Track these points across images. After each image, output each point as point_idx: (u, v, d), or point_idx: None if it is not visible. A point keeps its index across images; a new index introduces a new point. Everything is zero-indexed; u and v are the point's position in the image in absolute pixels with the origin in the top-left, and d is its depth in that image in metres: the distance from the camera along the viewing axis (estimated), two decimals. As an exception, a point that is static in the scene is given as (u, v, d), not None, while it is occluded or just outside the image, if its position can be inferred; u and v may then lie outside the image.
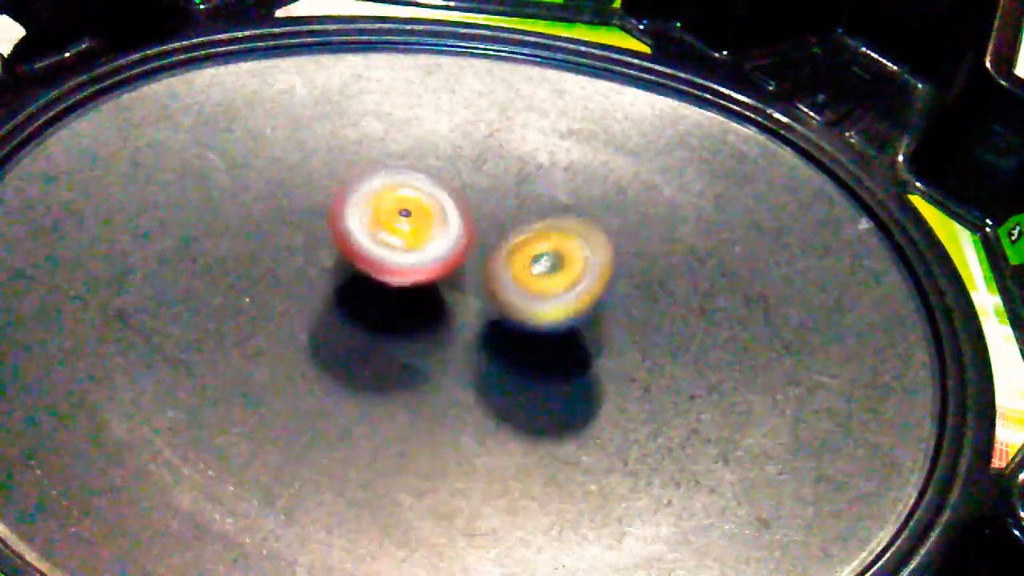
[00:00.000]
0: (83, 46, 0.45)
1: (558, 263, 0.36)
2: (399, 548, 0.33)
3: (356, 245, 0.36)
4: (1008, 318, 0.41)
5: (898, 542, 0.34)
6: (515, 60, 0.47)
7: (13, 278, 0.38)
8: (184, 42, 0.45)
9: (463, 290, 0.39)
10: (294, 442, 0.35)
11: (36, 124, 0.41)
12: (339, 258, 0.39)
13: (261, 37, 0.46)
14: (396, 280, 0.36)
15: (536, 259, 0.36)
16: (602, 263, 0.36)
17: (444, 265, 0.36)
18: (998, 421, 0.38)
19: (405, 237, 0.36)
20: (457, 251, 0.37)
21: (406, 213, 0.36)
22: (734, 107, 0.46)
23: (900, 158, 0.47)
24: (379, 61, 0.46)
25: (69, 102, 0.42)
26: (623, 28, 0.50)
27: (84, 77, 0.43)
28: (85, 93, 0.43)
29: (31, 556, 0.32)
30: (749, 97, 0.47)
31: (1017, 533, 0.34)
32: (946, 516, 0.35)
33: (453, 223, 0.37)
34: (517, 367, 0.38)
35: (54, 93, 0.42)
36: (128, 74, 0.44)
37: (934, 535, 0.34)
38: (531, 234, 0.37)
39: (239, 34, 0.46)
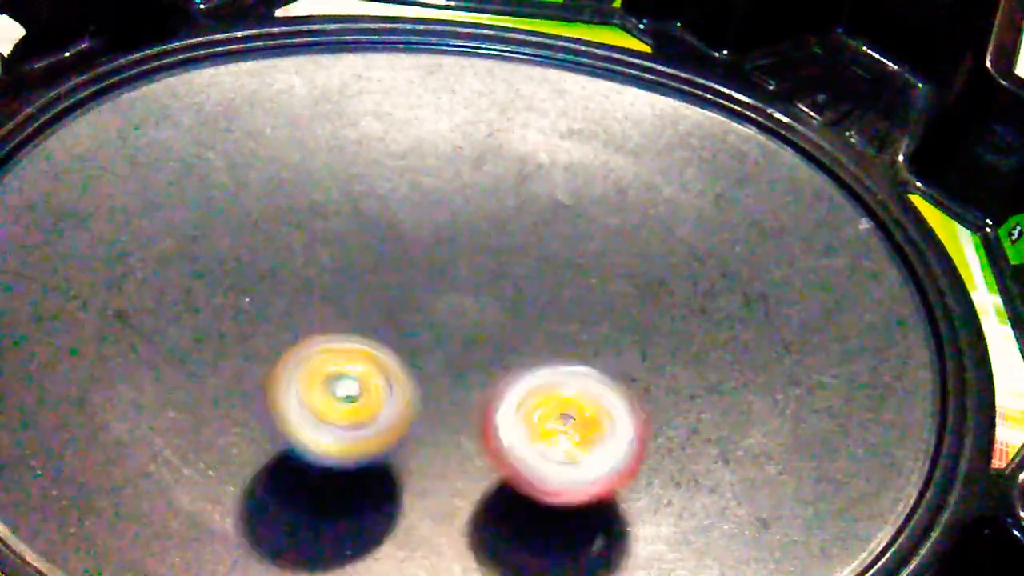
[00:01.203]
0: (83, 46, 0.45)
1: (357, 393, 0.31)
2: (399, 548, 0.33)
3: (519, 465, 0.31)
4: (1008, 318, 0.41)
5: (898, 542, 0.34)
6: (515, 60, 0.47)
7: (13, 278, 0.38)
8: (184, 42, 0.45)
9: (462, 291, 0.40)
10: (294, 442, 0.35)
11: (36, 124, 0.41)
12: (339, 257, 0.39)
13: (261, 37, 0.46)
14: (564, 501, 0.32)
15: (333, 380, 0.32)
16: (400, 411, 0.31)
17: (620, 477, 0.32)
18: (998, 421, 0.37)
19: (569, 447, 0.31)
20: (633, 457, 0.32)
21: (568, 418, 0.32)
22: (734, 107, 0.46)
23: (900, 158, 0.47)
24: (379, 61, 0.46)
25: (69, 102, 0.42)
26: (623, 28, 0.50)
27: (84, 77, 0.43)
28: (85, 93, 0.43)
29: (31, 556, 0.32)
30: (749, 97, 0.47)
31: (1017, 533, 0.34)
32: (946, 516, 0.35)
33: (622, 425, 0.32)
34: (516, 366, 0.38)
35: (54, 93, 0.42)
36: (128, 74, 0.44)
37: (934, 535, 0.34)
38: (332, 349, 0.32)
39: (239, 34, 0.46)
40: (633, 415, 0.32)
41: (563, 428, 0.31)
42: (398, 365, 0.32)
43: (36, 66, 0.44)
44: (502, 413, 0.31)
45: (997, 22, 0.45)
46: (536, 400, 0.32)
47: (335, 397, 0.31)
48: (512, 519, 0.34)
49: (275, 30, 0.46)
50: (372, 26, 0.47)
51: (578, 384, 0.32)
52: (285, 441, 0.31)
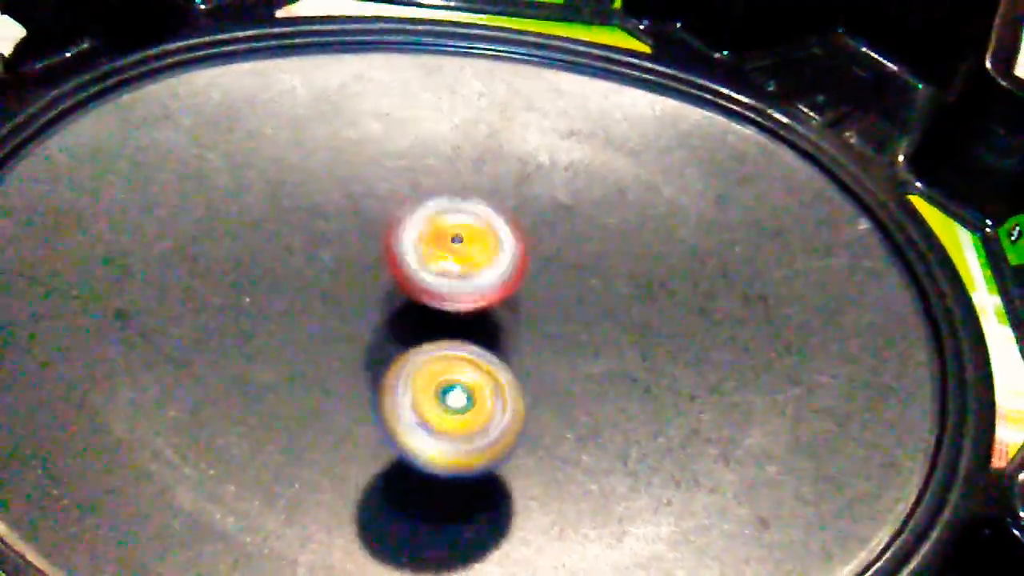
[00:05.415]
0: (84, 46, 0.45)
1: (470, 401, 0.31)
2: (399, 548, 0.33)
3: (411, 274, 0.35)
4: (1008, 319, 0.41)
5: (898, 542, 0.34)
6: (515, 60, 0.47)
7: (14, 278, 0.38)
8: (184, 42, 0.45)
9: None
10: (294, 442, 0.35)
11: (37, 124, 0.42)
12: (339, 257, 0.39)
13: (261, 37, 0.46)
14: (453, 307, 0.35)
15: (446, 389, 0.32)
16: (515, 417, 0.31)
17: (502, 290, 0.35)
18: (998, 421, 0.38)
19: (459, 263, 0.35)
20: (514, 275, 0.35)
21: (458, 240, 0.35)
22: (734, 107, 0.46)
23: (900, 158, 0.47)
24: (379, 61, 0.46)
25: (70, 102, 0.42)
26: (623, 28, 0.50)
27: (85, 77, 0.43)
28: (86, 93, 0.43)
29: (32, 555, 0.32)
30: (749, 97, 0.47)
31: (1017, 533, 0.34)
32: (946, 516, 0.35)
33: (507, 247, 0.36)
34: (516, 367, 0.38)
35: (55, 93, 0.42)
36: (128, 74, 0.44)
37: (934, 535, 0.34)
38: (445, 356, 0.32)
39: (239, 34, 0.46)
40: (516, 235, 0.36)
41: (454, 249, 0.35)
42: (511, 377, 0.33)
43: (37, 66, 0.44)
44: (402, 232, 0.35)
45: (996, 23, 0.45)
46: (431, 223, 0.36)
47: (447, 407, 0.31)
48: (508, 512, 0.34)
49: (275, 31, 0.46)
50: (372, 27, 0.47)
51: (469, 211, 0.36)
52: (397, 449, 0.31)
